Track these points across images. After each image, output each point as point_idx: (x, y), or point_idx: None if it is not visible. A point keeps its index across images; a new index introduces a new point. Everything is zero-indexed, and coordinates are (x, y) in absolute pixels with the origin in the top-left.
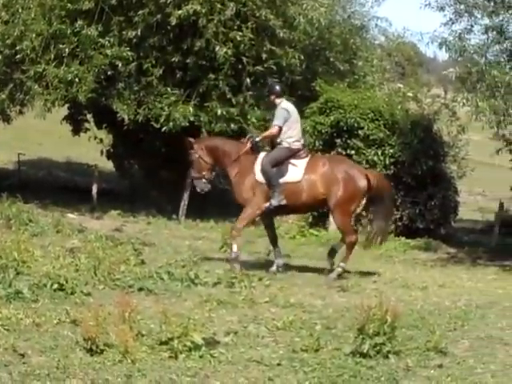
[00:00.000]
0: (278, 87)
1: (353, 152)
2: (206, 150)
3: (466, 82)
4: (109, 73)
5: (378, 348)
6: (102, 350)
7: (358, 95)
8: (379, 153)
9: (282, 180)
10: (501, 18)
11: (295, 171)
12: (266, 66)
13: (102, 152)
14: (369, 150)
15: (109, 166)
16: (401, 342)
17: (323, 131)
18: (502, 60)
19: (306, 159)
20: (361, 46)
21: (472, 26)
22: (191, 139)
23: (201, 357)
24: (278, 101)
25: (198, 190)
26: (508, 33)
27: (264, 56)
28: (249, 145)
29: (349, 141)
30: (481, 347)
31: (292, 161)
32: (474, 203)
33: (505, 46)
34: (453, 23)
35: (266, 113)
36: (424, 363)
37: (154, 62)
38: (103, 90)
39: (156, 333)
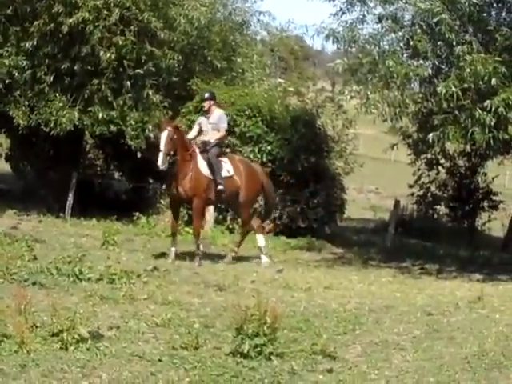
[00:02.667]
0: (214, 94)
1: (228, 150)
2: (175, 131)
3: (355, 74)
4: (6, 81)
5: (259, 349)
6: (0, 341)
7: (235, 92)
8: (256, 150)
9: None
10: (395, 6)
11: (227, 167)
12: (145, 68)
13: (0, 155)
14: (245, 148)
15: (7, 167)
16: (283, 344)
17: None
18: (399, 49)
19: (226, 158)
20: (241, 43)
21: (364, 15)
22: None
23: (88, 349)
24: (213, 107)
25: (160, 163)
26: (403, 21)
27: (144, 58)
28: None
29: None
30: (375, 352)
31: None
32: (366, 201)
33: (400, 34)
34: (343, 13)
35: (143, 114)
36: (311, 367)
37: (46, 69)
38: (1, 97)
39: (48, 325)
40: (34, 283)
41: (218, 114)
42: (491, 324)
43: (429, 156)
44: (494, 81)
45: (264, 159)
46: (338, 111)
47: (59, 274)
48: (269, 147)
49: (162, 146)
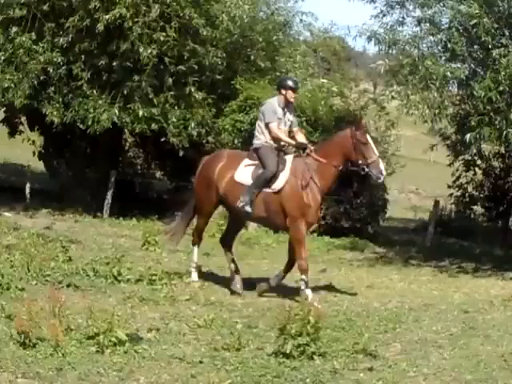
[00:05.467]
0: None
1: None
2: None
3: (397, 75)
4: (41, 77)
5: (302, 349)
6: (35, 344)
7: None
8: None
9: None
10: (433, 9)
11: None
12: (187, 65)
13: (34, 153)
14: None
15: (41, 166)
16: (326, 344)
17: (242, 129)
18: (437, 51)
19: None
20: (284, 43)
21: (404, 17)
22: None
23: (125, 352)
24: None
25: None
26: (441, 24)
27: (186, 55)
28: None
29: None
30: (414, 350)
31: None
32: (407, 201)
33: (439, 37)
34: (384, 15)
35: (186, 112)
36: (352, 366)
37: (82, 66)
38: (36, 93)
39: (83, 327)
40: (68, 285)
41: (293, 109)
42: None
43: (466, 157)
44: None
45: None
46: (380, 112)
47: (96, 275)
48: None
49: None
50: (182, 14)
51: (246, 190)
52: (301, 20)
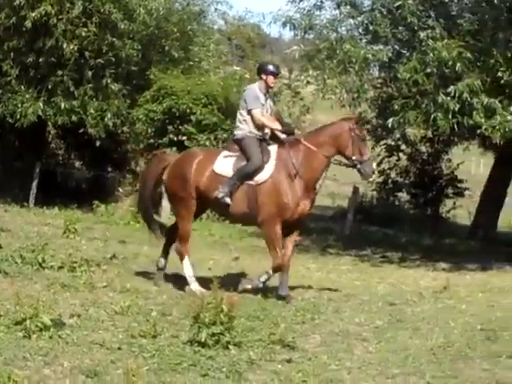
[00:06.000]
0: None
1: (184, 138)
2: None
3: (313, 60)
4: None
5: (217, 338)
6: None
7: (192, 81)
8: (212, 137)
9: None
10: None
11: None
12: (105, 58)
13: None
14: (201, 135)
15: None
16: (241, 333)
17: (155, 118)
18: (357, 34)
19: None
20: (198, 32)
21: (322, 1)
22: None
23: (50, 337)
24: None
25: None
26: (362, 6)
27: (105, 49)
28: None
29: (181, 127)
30: (335, 342)
31: None
32: (324, 188)
33: (359, 19)
34: (301, 0)
35: (103, 104)
36: (269, 357)
37: (11, 63)
38: None
39: (12, 313)
40: None
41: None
42: (458, 315)
43: (389, 142)
44: (458, 66)
45: (220, 146)
46: (294, 98)
47: (23, 262)
48: (225, 135)
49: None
50: (102, 10)
51: (226, 181)
52: (215, 9)
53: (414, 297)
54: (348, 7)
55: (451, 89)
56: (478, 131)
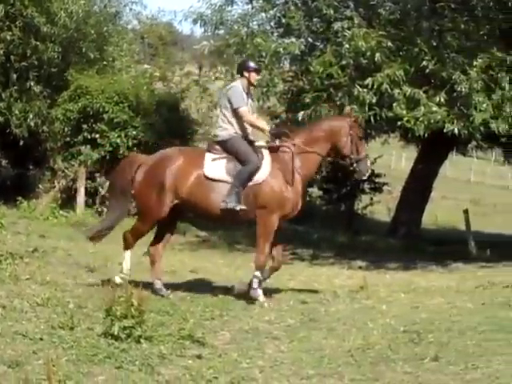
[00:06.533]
0: None
1: (97, 136)
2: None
3: (222, 55)
4: None
5: (129, 331)
6: None
7: (105, 80)
8: (122, 135)
9: None
10: None
11: None
12: (29, 61)
13: None
14: (112, 133)
15: None
16: (151, 328)
17: (72, 117)
18: (269, 28)
19: None
20: (113, 33)
21: None
22: None
23: None
24: None
25: None
26: (276, 0)
27: (29, 52)
28: None
29: (94, 125)
30: (245, 340)
31: None
32: None
33: (272, 13)
34: None
35: (26, 105)
36: (180, 352)
37: None
38: None
39: None
40: None
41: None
42: (377, 316)
43: None
44: (377, 56)
45: (129, 144)
46: (203, 94)
47: None
48: (134, 132)
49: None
50: (25, 14)
51: (229, 188)
52: (130, 9)
53: (328, 296)
54: (260, 1)
55: (369, 80)
56: (399, 123)
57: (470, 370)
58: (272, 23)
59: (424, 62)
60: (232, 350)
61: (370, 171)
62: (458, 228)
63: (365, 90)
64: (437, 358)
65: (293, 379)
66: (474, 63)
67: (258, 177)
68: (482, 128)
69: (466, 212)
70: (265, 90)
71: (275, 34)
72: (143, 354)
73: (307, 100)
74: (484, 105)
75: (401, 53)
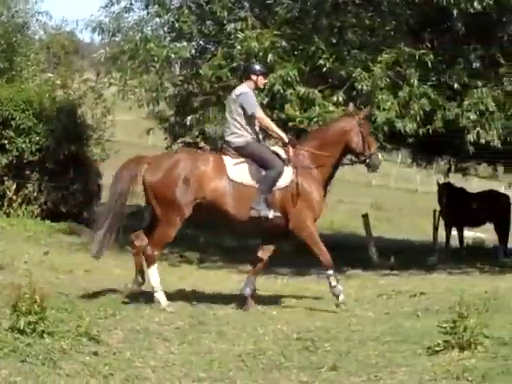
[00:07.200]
0: None
1: (6, 141)
2: None
3: (116, 62)
4: None
5: (33, 326)
6: None
7: (14, 89)
8: (27, 141)
9: None
10: None
11: None
12: None
13: None
14: (19, 139)
15: None
16: (53, 324)
17: None
18: (162, 33)
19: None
20: (22, 43)
21: (132, 4)
22: None
23: None
24: None
25: None
26: (171, 5)
27: None
28: None
29: (3, 132)
30: (137, 340)
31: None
32: None
33: (166, 18)
34: (112, 4)
35: None
36: (78, 348)
37: None
38: None
39: None
40: None
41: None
42: (268, 321)
43: (187, 139)
44: (270, 57)
45: (33, 149)
46: (97, 100)
47: None
48: (37, 138)
49: None
50: None
51: (256, 196)
52: (37, 20)
53: (217, 299)
54: (156, 7)
55: None
56: (291, 124)
57: (372, 381)
58: (165, 28)
59: (321, 61)
60: (125, 348)
61: (381, 163)
62: (358, 233)
63: (256, 91)
64: (335, 367)
65: (184, 381)
66: (379, 59)
67: (282, 182)
68: (385, 128)
69: (365, 216)
70: (154, 94)
71: (167, 39)
72: (46, 348)
73: (196, 104)
74: (388, 103)
75: (296, 52)
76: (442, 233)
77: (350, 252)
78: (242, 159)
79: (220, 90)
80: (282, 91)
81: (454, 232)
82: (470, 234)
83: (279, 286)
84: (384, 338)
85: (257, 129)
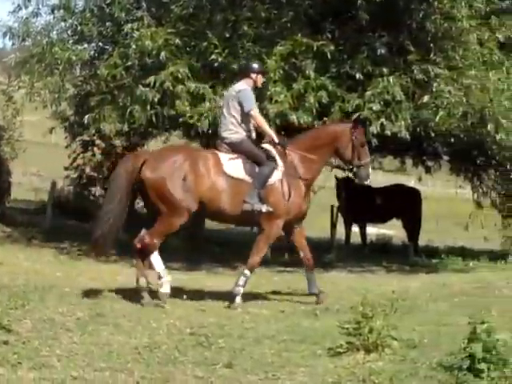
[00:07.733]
0: None
1: None
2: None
3: (25, 66)
4: None
5: None
6: None
7: None
8: None
9: None
10: None
11: None
12: None
13: None
14: None
15: None
16: None
17: None
18: (66, 36)
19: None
20: None
21: (39, 8)
22: None
23: None
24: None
25: None
26: (75, 8)
27: None
28: None
29: None
30: (44, 329)
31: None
32: (29, 184)
33: (70, 21)
34: (20, 9)
35: None
36: None
37: None
38: None
39: None
40: None
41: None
42: (161, 315)
43: (84, 138)
44: (163, 54)
45: None
46: (8, 102)
47: None
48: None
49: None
50: None
51: (250, 190)
52: None
53: (113, 292)
54: (61, 11)
55: (151, 79)
56: (181, 120)
57: (270, 380)
58: (69, 31)
59: (213, 56)
60: (33, 337)
61: (371, 178)
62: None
63: (147, 88)
64: (231, 364)
65: (87, 370)
66: (274, 51)
67: (270, 179)
68: (277, 121)
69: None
70: (57, 95)
71: (71, 42)
72: None
73: (92, 103)
74: (282, 96)
75: (188, 49)
76: (341, 230)
77: (241, 248)
78: (236, 155)
79: (115, 90)
80: (171, 88)
81: (356, 229)
82: (373, 230)
83: (172, 280)
84: (280, 336)
85: (251, 126)
